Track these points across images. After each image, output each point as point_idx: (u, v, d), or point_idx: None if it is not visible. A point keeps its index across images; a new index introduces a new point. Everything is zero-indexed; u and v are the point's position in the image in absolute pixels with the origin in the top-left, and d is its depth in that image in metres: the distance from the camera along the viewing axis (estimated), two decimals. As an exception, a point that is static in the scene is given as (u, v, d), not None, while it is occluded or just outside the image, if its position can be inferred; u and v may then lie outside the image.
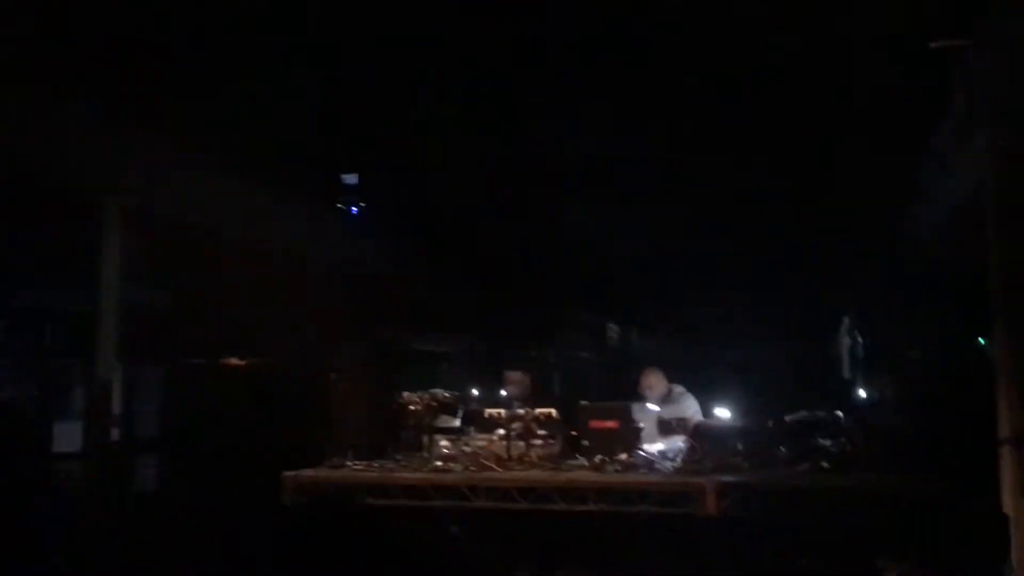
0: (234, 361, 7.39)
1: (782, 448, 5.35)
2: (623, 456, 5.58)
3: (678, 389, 6.64)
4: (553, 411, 5.91)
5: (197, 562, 6.17)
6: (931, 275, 8.23)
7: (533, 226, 9.91)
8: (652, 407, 6.47)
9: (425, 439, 5.89)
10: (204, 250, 7.25)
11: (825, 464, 5.17)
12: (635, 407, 6.26)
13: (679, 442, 5.76)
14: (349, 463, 5.78)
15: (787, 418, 5.68)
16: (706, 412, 6.44)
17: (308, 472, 5.70)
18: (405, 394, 5.96)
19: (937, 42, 4.49)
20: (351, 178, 9.22)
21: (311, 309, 7.52)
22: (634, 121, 8.95)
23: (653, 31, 6.50)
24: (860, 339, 10.54)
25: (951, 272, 7.44)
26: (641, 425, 6.11)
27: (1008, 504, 4.53)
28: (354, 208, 9.26)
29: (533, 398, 6.43)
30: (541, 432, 5.82)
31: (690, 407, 6.48)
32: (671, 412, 6.34)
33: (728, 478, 5.07)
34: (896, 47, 5.40)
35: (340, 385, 7.16)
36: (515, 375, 6.78)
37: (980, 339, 6.14)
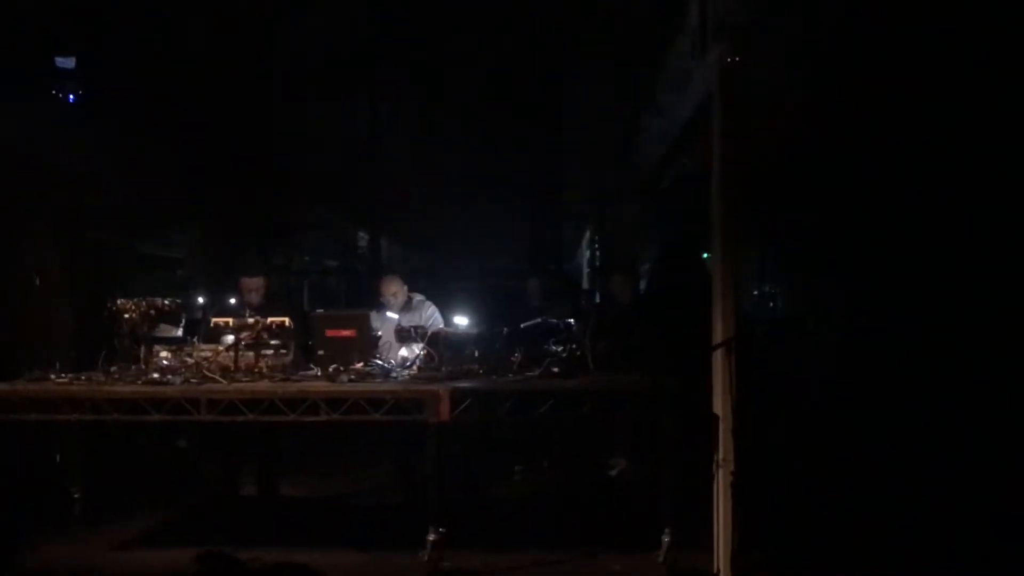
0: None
1: (516, 354, 5.40)
2: (359, 365, 5.42)
3: (418, 298, 6.56)
4: (287, 320, 5.61)
5: None
6: (664, 188, 8.64)
7: (272, 122, 9.33)
8: (391, 315, 6.37)
9: (142, 349, 5.39)
10: None
11: (555, 369, 5.28)
12: (373, 315, 6.12)
13: (417, 350, 5.68)
14: (52, 376, 5.18)
15: (522, 326, 5.77)
16: (447, 321, 6.42)
17: (2, 386, 5.06)
18: (120, 301, 5.38)
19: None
20: (67, 62, 8.17)
21: (7, 204, 6.63)
22: (383, 18, 8.61)
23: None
24: (599, 250, 10.96)
25: (682, 186, 7.82)
26: (379, 333, 6.00)
27: (718, 404, 4.84)
28: (71, 96, 8.23)
29: (268, 306, 6.09)
30: (273, 342, 5.52)
31: (430, 316, 6.43)
32: (410, 320, 6.26)
33: (462, 384, 5.05)
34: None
35: (42, 289, 6.40)
36: (251, 281, 6.37)
37: (705, 255, 6.48)
